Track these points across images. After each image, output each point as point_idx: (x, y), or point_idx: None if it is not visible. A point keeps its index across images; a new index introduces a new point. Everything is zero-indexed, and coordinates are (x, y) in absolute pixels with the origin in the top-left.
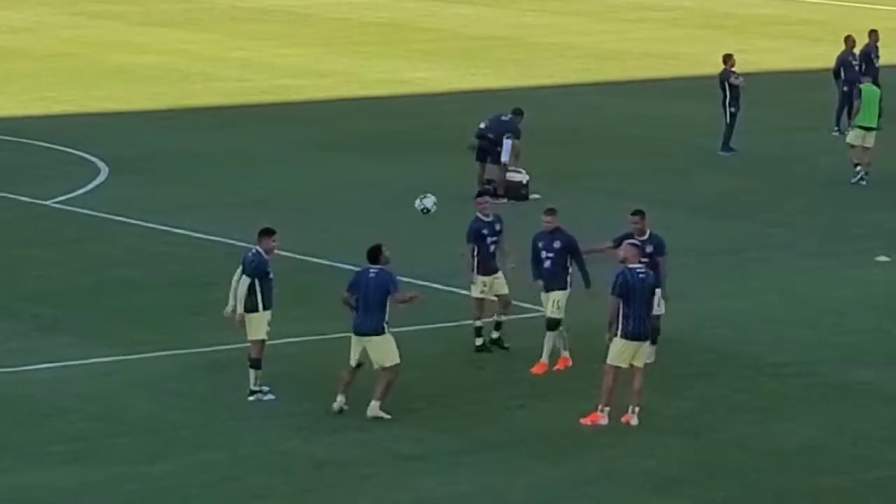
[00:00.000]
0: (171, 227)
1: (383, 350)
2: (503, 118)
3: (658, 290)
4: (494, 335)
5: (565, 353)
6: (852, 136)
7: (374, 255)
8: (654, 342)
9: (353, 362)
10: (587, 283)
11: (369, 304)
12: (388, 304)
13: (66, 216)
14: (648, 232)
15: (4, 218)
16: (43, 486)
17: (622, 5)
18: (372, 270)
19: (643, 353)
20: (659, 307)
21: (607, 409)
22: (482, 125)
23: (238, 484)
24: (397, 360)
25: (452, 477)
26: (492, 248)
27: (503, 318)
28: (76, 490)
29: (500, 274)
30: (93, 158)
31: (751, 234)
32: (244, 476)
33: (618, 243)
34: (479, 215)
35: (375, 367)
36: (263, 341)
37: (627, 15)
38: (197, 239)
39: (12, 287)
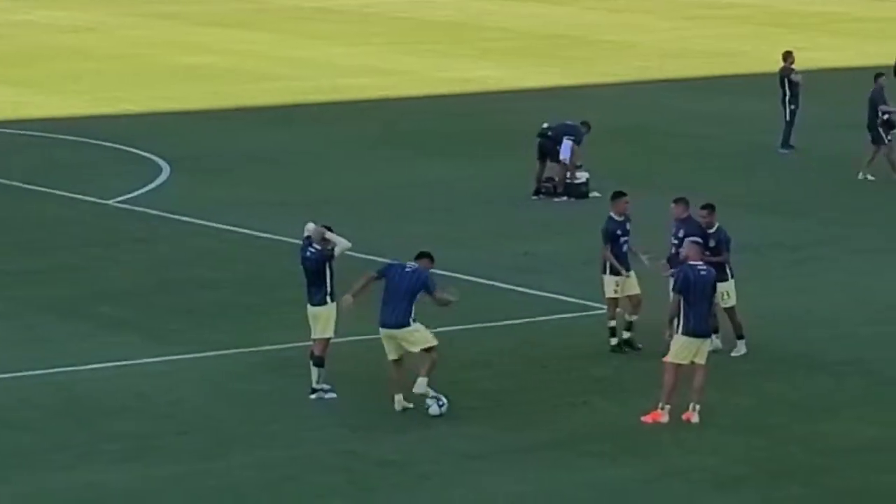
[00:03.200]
0: (233, 225)
1: (415, 338)
2: (568, 122)
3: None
4: (626, 335)
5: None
6: None
7: (422, 255)
8: (740, 336)
9: (390, 357)
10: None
11: (398, 297)
12: (414, 300)
13: (128, 215)
14: (717, 226)
15: (68, 217)
16: (102, 483)
17: (684, 3)
18: (409, 266)
19: (704, 351)
20: (729, 298)
21: (668, 406)
22: (545, 125)
23: (298, 483)
24: (434, 342)
25: (513, 475)
26: (624, 247)
27: (634, 317)
28: (135, 488)
29: (632, 273)
30: (154, 157)
31: (809, 231)
32: (304, 475)
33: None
34: (613, 215)
35: (416, 350)
36: (328, 339)
37: (690, 12)
38: (260, 238)
39: (76, 286)
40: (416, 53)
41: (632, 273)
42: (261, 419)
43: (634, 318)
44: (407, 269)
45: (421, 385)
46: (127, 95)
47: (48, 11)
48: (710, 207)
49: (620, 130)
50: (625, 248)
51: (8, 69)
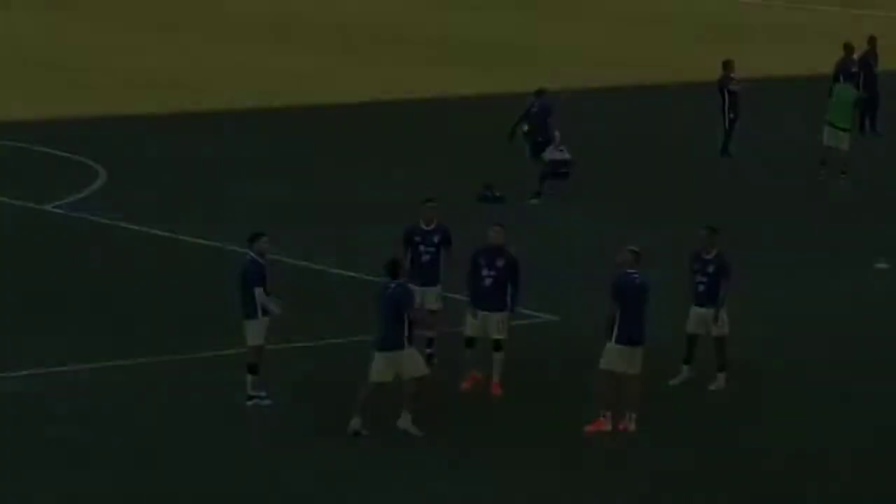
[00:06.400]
0: (169, 231)
1: (411, 362)
2: (532, 111)
3: (705, 310)
4: (427, 351)
5: (496, 379)
6: (826, 135)
7: (392, 269)
8: (721, 369)
9: (377, 379)
10: (512, 308)
11: (388, 319)
12: (405, 318)
13: (64, 221)
14: (716, 251)
15: (2, 222)
16: (42, 489)
17: (622, 11)
18: (391, 285)
19: (638, 359)
20: (721, 327)
21: (609, 414)
22: (525, 128)
23: (236, 490)
24: (426, 371)
25: (457, 483)
26: (425, 257)
27: (430, 333)
28: (75, 494)
29: (436, 288)
30: (91, 163)
31: (748, 239)
32: (242, 482)
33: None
34: (421, 221)
35: (406, 378)
36: (261, 347)
37: (627, 20)
38: (195, 244)
39: (9, 291)
40: (349, 59)
41: (436, 288)
42: (197, 426)
43: (430, 333)
44: (388, 290)
45: (405, 421)
46: (63, 100)
47: None
48: (710, 229)
49: (561, 139)
50: (425, 257)
51: None
